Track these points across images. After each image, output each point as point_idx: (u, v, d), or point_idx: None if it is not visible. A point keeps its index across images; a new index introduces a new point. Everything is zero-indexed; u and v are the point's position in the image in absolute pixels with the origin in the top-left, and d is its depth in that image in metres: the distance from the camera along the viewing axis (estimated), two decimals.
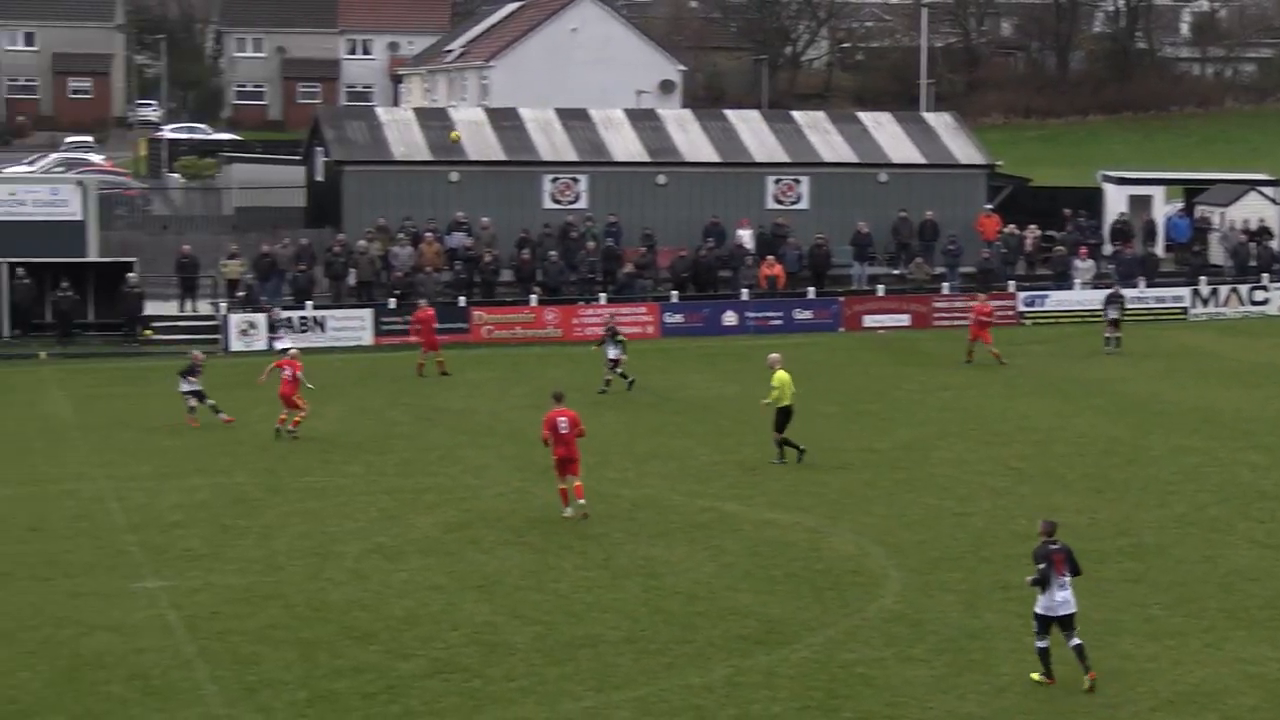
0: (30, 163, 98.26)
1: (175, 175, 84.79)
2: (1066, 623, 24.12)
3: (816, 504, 35.22)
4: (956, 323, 61.57)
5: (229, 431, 43.16)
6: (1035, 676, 24.23)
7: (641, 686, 24.36)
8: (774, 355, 39.42)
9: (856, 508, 34.76)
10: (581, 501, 33.91)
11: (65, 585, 29.55)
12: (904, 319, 62.62)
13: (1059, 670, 24.12)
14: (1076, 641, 24.10)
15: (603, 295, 62.18)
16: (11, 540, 32.60)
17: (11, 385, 50.67)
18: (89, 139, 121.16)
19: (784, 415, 38.60)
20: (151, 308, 59.82)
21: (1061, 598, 24.05)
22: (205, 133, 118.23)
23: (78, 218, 61.41)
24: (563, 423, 33.72)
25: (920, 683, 24.38)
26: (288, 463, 39.55)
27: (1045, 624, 24.13)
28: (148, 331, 58.59)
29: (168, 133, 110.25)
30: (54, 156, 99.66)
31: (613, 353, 48.52)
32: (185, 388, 43.80)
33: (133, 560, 31.28)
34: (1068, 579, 24.06)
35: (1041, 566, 24.04)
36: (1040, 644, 24.19)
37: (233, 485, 37.29)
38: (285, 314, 53.36)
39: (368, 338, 59.07)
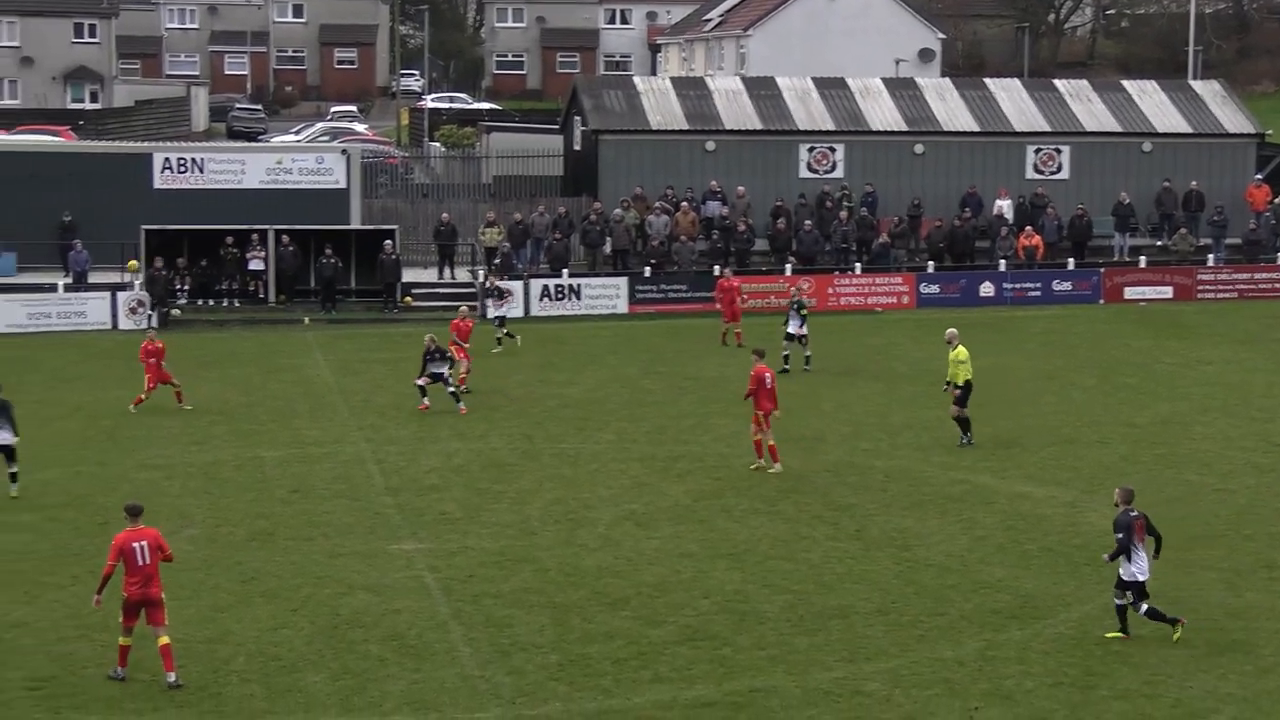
0: (297, 132, 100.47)
1: (436, 144, 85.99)
2: (1140, 590, 24.47)
3: (1073, 478, 34.67)
4: (1221, 296, 60.15)
5: (483, 397, 43.70)
6: (1111, 636, 24.63)
7: (893, 658, 24.20)
8: (952, 330, 38.48)
9: (1114, 483, 34.00)
10: (777, 466, 34.95)
11: (325, 545, 30.18)
12: (1166, 291, 61.28)
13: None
14: (1146, 607, 24.45)
15: (857, 265, 61.82)
16: (275, 501, 33.37)
17: (277, 350, 51.84)
18: (353, 108, 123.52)
19: (966, 392, 37.50)
20: (410, 275, 60.80)
21: (1141, 565, 24.41)
22: (465, 102, 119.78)
23: (341, 186, 62.69)
24: (769, 378, 34.99)
25: (1178, 661, 23.88)
26: (543, 429, 39.94)
27: (1139, 590, 24.54)
28: (407, 299, 59.53)
29: (429, 102, 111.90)
30: (319, 126, 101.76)
31: (793, 326, 47.34)
32: (434, 370, 42.14)
33: (390, 522, 31.84)
34: (1143, 547, 24.52)
35: (1120, 536, 24.35)
36: (1142, 610, 24.50)
37: (488, 450, 37.76)
38: (499, 283, 53.80)
39: (622, 306, 59.38)
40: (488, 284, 52.60)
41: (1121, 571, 24.56)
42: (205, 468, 35.90)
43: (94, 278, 58.53)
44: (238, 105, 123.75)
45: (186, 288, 58.76)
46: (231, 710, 22.45)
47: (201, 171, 62.51)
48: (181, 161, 62.79)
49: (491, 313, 52.28)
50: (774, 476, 34.81)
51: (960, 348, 37.40)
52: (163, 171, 62.27)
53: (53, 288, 57.39)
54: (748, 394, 35.37)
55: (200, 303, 58.65)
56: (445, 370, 41.84)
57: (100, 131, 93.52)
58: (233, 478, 35.08)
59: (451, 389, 41.84)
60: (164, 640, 23.24)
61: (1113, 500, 25.27)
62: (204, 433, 39.72)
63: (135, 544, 23.46)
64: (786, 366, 46.04)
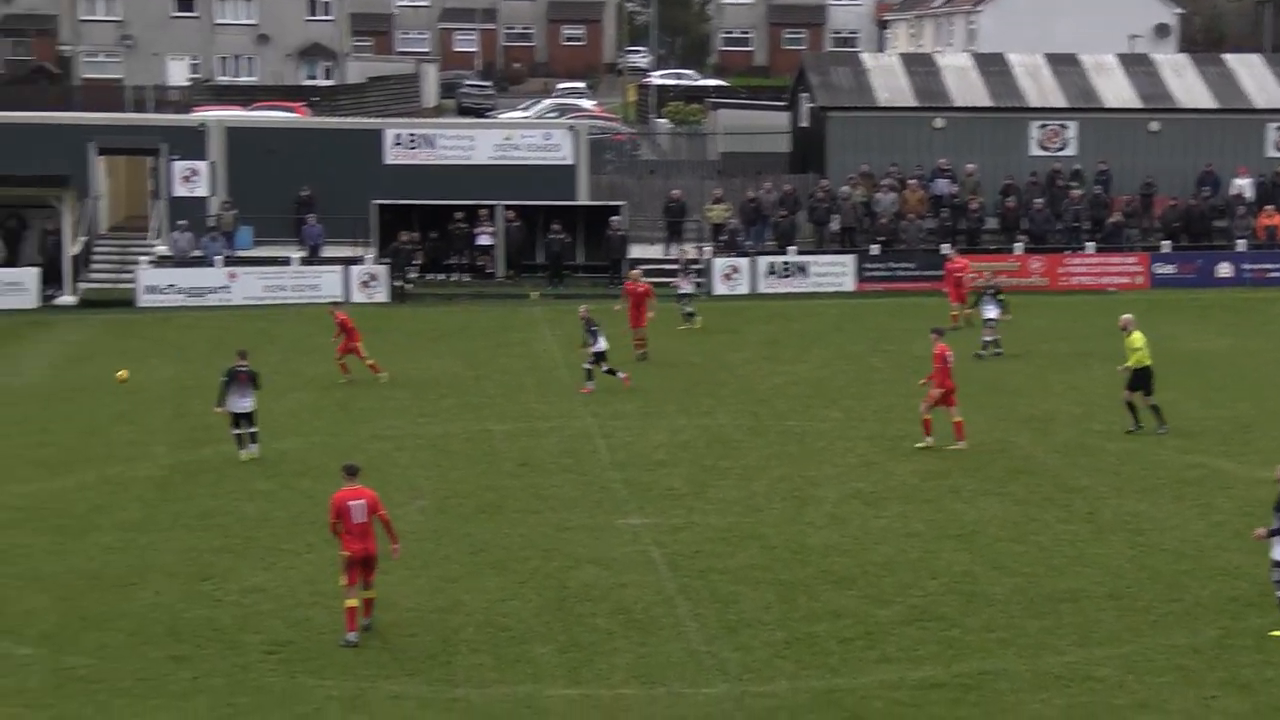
0: (525, 108, 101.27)
1: (663, 120, 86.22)
2: None
3: None
4: None
5: (711, 373, 43.75)
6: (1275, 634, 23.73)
7: (1125, 644, 23.79)
8: (1127, 316, 37.18)
9: None
10: (961, 443, 34.88)
11: (553, 519, 30.41)
12: None
13: None
14: None
15: (1090, 244, 60.83)
16: (503, 474, 33.69)
17: (506, 325, 52.32)
18: (581, 85, 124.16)
19: (1144, 377, 36.26)
20: (637, 251, 61.01)
21: None
22: (692, 79, 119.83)
23: (569, 162, 63.09)
24: (949, 356, 35.05)
25: None
26: (769, 406, 39.86)
27: None
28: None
29: (656, 79, 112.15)
30: (547, 102, 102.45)
31: (991, 312, 46.28)
32: (596, 348, 41.51)
33: (617, 496, 31.99)
34: None
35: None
36: None
37: (715, 427, 37.77)
38: (694, 256, 53.54)
39: (849, 284, 59.05)
40: (683, 260, 52.29)
41: (1273, 552, 23.81)
42: (435, 440, 36.35)
43: (327, 252, 59.57)
44: (467, 82, 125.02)
45: (417, 262, 59.53)
46: (461, 679, 22.72)
47: (431, 147, 63.28)
48: (412, 137, 63.63)
49: (684, 288, 51.55)
50: (1003, 458, 34.42)
51: (1136, 333, 36.37)
52: (394, 147, 63.15)
53: (287, 261, 58.51)
54: (932, 378, 35.22)
55: (430, 277, 59.36)
56: (604, 347, 41.27)
57: (333, 108, 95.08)
58: (462, 450, 35.48)
59: (606, 367, 41.39)
60: (368, 595, 24.20)
61: (1274, 477, 24.43)
62: (433, 405, 40.23)
63: (351, 502, 24.12)
64: (999, 350, 45.62)
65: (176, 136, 62.73)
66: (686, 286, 51.73)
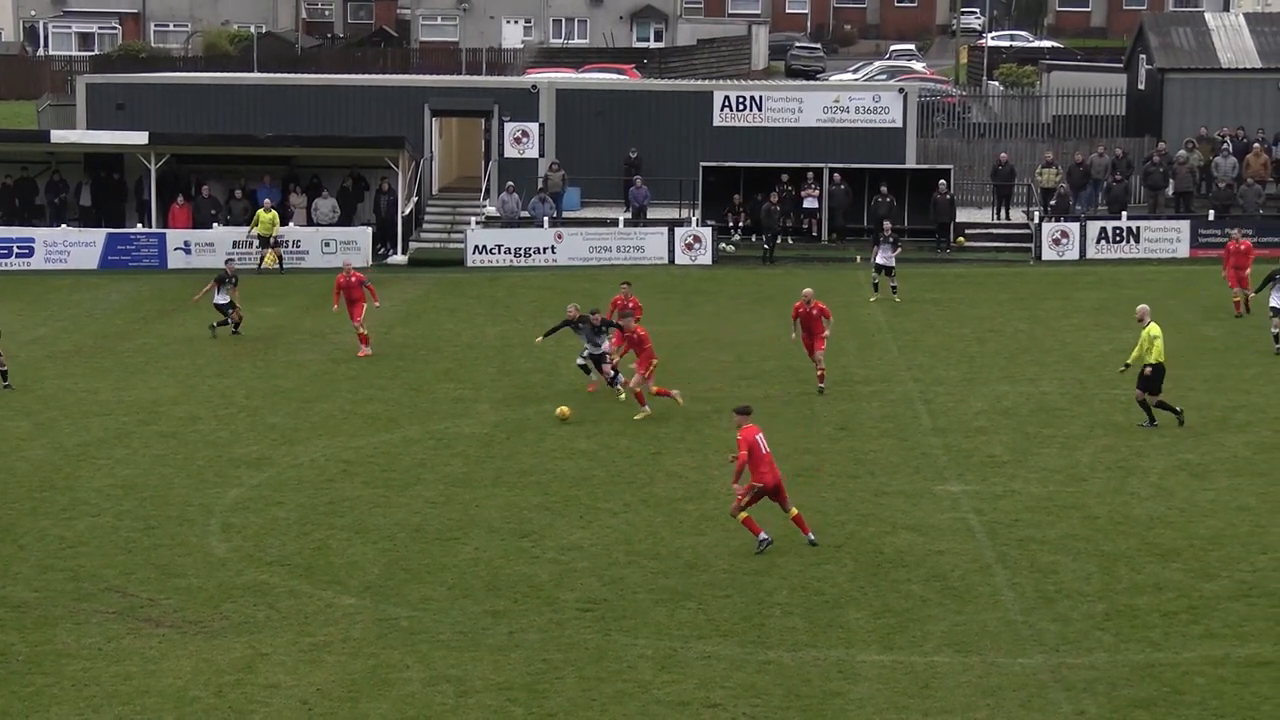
0: (854, 71, 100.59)
1: (994, 83, 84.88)
2: None
3: None
4: None
5: (1036, 339, 43.05)
6: None
7: None
8: (1143, 307, 34.76)
9: None
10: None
11: (870, 484, 30.17)
12: None
13: None
14: None
15: None
16: (822, 438, 33.54)
17: (829, 288, 51.92)
18: (911, 47, 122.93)
19: (1157, 374, 33.75)
20: (965, 215, 60.20)
21: None
22: (1026, 40, 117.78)
23: (897, 125, 62.52)
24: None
25: None
26: (1095, 374, 39.02)
27: None
28: (960, 239, 59.01)
29: (989, 40, 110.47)
30: (877, 64, 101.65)
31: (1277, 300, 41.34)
32: (594, 352, 36.91)
33: (936, 463, 31.61)
34: None
35: None
36: None
37: (1038, 394, 37.10)
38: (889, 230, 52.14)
39: (1183, 250, 57.49)
40: (886, 232, 50.99)
41: None
42: (757, 402, 36.20)
43: (652, 213, 59.95)
44: (797, 44, 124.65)
45: (741, 224, 59.53)
46: (774, 641, 22.66)
47: (759, 110, 63.24)
48: (740, 100, 63.66)
49: (880, 259, 49.90)
50: None
51: (1152, 325, 33.96)
52: (722, 110, 63.25)
53: (614, 222, 59.02)
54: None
55: (754, 239, 59.33)
56: (606, 348, 36.48)
57: (663, 70, 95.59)
58: (781, 413, 35.39)
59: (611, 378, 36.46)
60: (794, 512, 26.35)
61: None
62: (756, 368, 40.22)
63: (757, 436, 26.08)
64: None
65: (508, 98, 63.70)
66: (886, 257, 50.09)
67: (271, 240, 56.36)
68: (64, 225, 58.54)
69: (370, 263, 57.08)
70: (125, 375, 39.82)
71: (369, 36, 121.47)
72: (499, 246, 57.66)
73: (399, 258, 58.39)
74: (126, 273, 56.18)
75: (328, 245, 57.38)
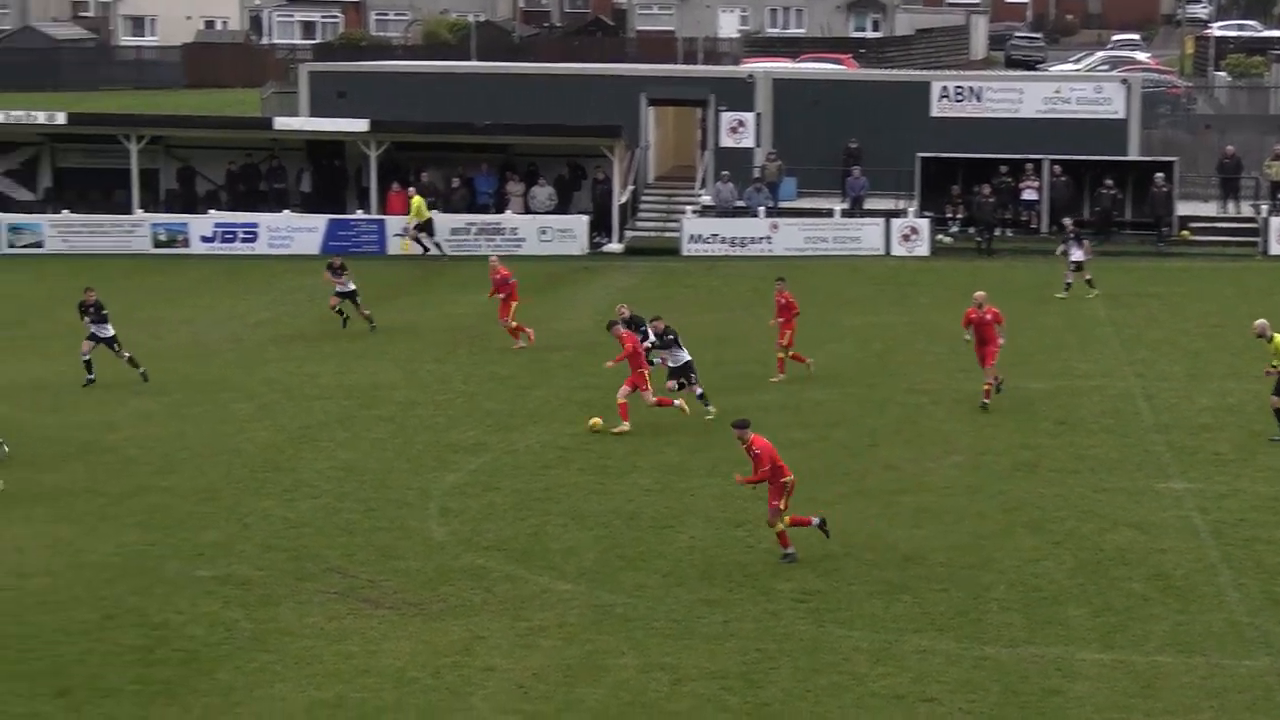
0: (1076, 60, 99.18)
1: (1221, 73, 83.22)
2: None
3: None
4: None
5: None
6: None
7: None
8: (1261, 322, 32.93)
9: None
10: None
11: (1090, 480, 29.69)
12: None
13: None
14: None
15: None
16: (1041, 433, 33.07)
17: (1047, 281, 51.18)
18: (1135, 37, 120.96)
19: None
20: (1189, 208, 59.05)
21: None
22: (1255, 30, 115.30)
23: (1120, 116, 61.46)
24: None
25: None
26: None
27: None
28: (1184, 233, 57.89)
29: (1215, 30, 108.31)
30: (1099, 55, 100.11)
31: None
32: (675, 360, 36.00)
33: (1159, 460, 31.03)
34: None
35: None
36: None
37: (1265, 391, 36.16)
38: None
39: None
40: (1069, 230, 49.71)
41: None
42: (970, 396, 35.84)
43: (870, 204, 59.55)
44: (1017, 34, 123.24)
45: (959, 216, 58.92)
46: (991, 637, 22.39)
47: (978, 100, 62.55)
48: (959, 90, 63.00)
49: (1076, 254, 48.53)
50: None
51: (1278, 336, 32.10)
52: (940, 100, 62.65)
53: (830, 213, 58.72)
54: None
55: (969, 232, 58.67)
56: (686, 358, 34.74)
57: (880, 60, 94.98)
58: (998, 406, 34.91)
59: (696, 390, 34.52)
60: (787, 521, 25.31)
61: None
62: (969, 361, 39.71)
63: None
64: None
65: (724, 88, 63.62)
66: (1079, 254, 48.83)
67: (416, 226, 56.98)
68: (286, 211, 59.56)
69: (587, 250, 57.38)
70: (346, 360, 40.41)
71: (586, 26, 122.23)
72: (714, 236, 57.63)
73: (614, 246, 58.60)
74: (347, 258, 56.89)
75: (544, 234, 57.80)
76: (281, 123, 61.72)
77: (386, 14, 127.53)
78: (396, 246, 57.35)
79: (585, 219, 58.54)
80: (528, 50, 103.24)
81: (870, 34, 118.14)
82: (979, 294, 35.62)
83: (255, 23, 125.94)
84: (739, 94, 63.07)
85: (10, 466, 30.45)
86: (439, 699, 20.46)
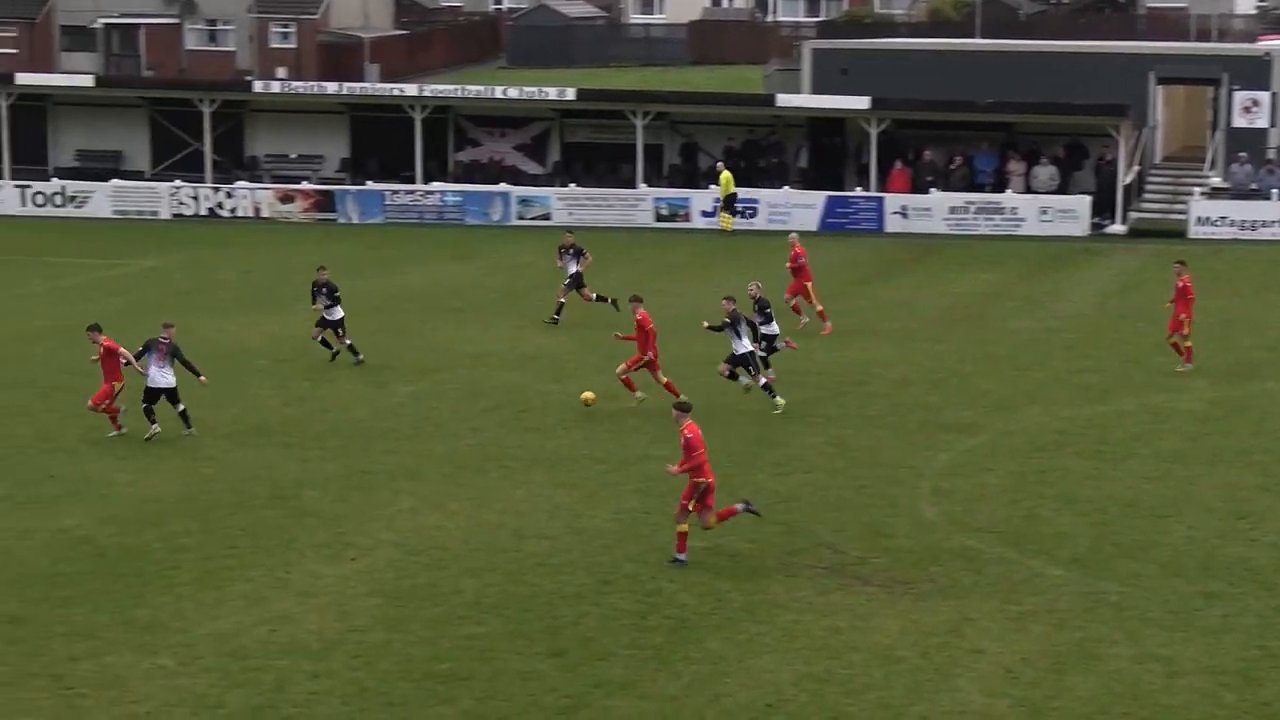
0: None
1: None
2: None
3: None
4: None
5: None
6: None
7: None
8: None
9: None
10: None
11: None
12: None
13: None
14: None
15: None
16: None
17: None
18: None
19: None
20: None
21: None
22: None
23: None
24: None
25: None
26: None
27: None
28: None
29: None
30: None
31: None
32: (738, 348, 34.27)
33: None
34: None
35: None
36: None
37: None
38: None
39: None
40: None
41: None
42: None
43: None
44: None
45: None
46: None
47: None
48: None
49: None
50: None
51: None
52: None
53: None
54: None
55: None
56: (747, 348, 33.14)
57: None
58: None
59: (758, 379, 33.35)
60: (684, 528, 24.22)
61: None
62: None
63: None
64: None
65: (1239, 66, 61.44)
66: None
67: (725, 201, 57.26)
68: (785, 187, 60.03)
69: (1088, 231, 56.23)
70: (839, 337, 40.45)
71: (1094, 2, 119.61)
72: (1223, 219, 55.81)
73: (1118, 227, 57.26)
74: (844, 235, 57.17)
75: (1044, 214, 56.95)
76: (784, 100, 62.24)
77: None
78: (716, 224, 58.07)
79: (1087, 199, 57.35)
80: (1033, 27, 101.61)
81: None
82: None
83: (761, 0, 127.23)
84: (1254, 73, 60.81)
85: (515, 432, 31.48)
86: (925, 679, 20.30)
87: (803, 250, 41.21)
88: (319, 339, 37.33)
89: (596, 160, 63.46)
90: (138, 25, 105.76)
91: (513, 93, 63.84)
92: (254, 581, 23.38)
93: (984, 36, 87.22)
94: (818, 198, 58.85)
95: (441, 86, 68.65)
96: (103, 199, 61.88)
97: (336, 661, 20.61)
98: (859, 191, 59.36)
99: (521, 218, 59.85)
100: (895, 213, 57.71)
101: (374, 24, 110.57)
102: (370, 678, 20.15)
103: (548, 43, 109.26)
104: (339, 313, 37.14)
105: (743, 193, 58.78)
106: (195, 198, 61.63)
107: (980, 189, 59.14)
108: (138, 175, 64.96)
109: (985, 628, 21.84)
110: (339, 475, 28.36)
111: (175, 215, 61.34)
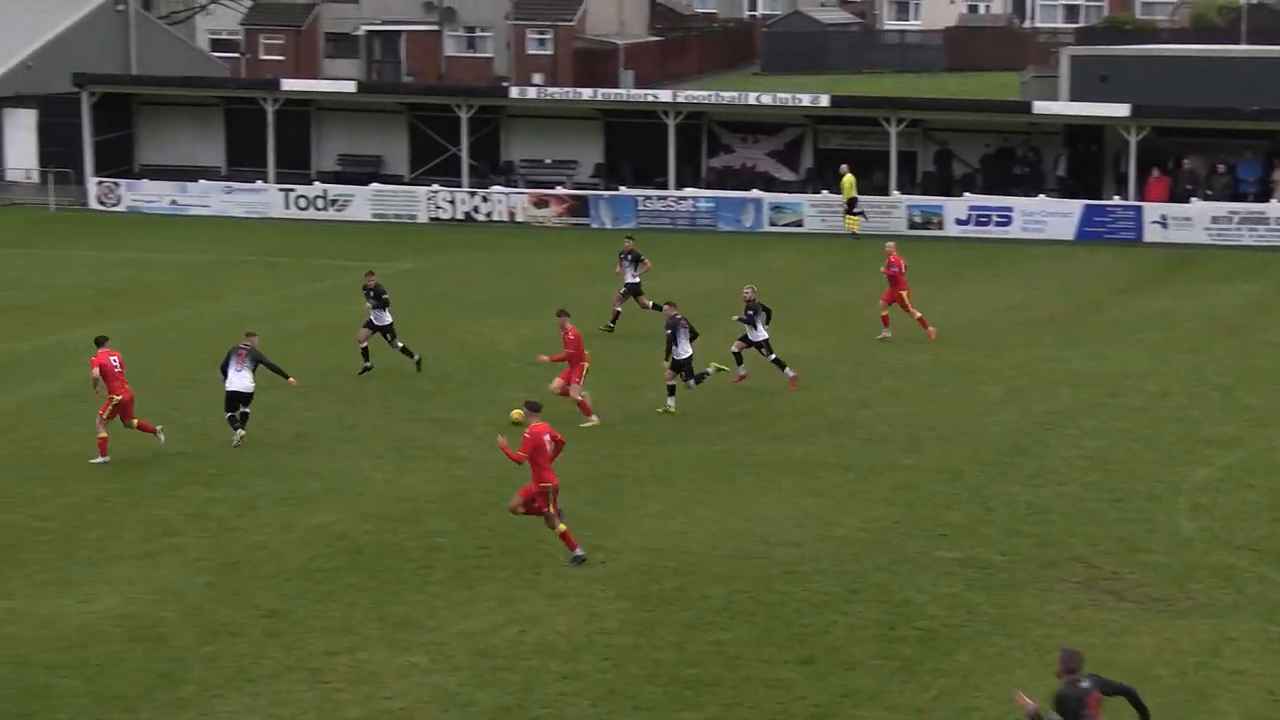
0: None
1: None
2: None
3: None
4: None
5: None
6: None
7: None
8: None
9: None
10: None
11: None
12: None
13: None
14: None
15: None
16: None
17: None
18: None
19: None
20: None
21: None
22: None
23: None
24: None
25: None
26: None
27: None
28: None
29: None
30: None
31: None
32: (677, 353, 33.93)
33: None
34: None
35: None
36: None
37: None
38: None
39: None
40: None
41: None
42: None
43: None
44: None
45: None
46: None
47: None
48: None
49: None
50: None
51: None
52: None
53: None
54: None
55: None
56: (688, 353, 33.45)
57: None
58: None
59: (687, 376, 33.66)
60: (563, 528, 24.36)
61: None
62: None
63: (546, 436, 24.45)
64: None
65: None
66: None
67: (848, 204, 57.07)
68: (1041, 195, 59.20)
69: None
70: (1096, 346, 39.80)
71: None
72: None
73: None
74: (1102, 244, 56.22)
75: None
76: (1040, 107, 61.35)
77: None
78: (843, 227, 57.95)
79: None
80: None
81: None
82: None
83: (1019, 6, 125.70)
84: None
85: (762, 439, 31.42)
86: (1182, 699, 19.83)
87: (900, 260, 40.50)
88: (363, 344, 36.54)
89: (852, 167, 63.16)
90: (399, 32, 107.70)
91: (766, 99, 63.81)
92: (504, 582, 23.64)
93: (1250, 42, 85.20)
94: (1074, 206, 57.95)
95: (695, 93, 68.90)
96: (362, 202, 63.08)
97: (585, 663, 20.75)
98: (1117, 200, 58.34)
99: (774, 224, 59.78)
100: (1154, 222, 56.60)
101: (629, 30, 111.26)
102: (618, 680, 20.25)
103: (802, 49, 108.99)
104: (387, 318, 36.55)
105: (994, 201, 58.07)
106: (452, 202, 62.55)
107: (1243, 198, 57.77)
108: (397, 179, 66.09)
109: (1245, 648, 21.29)
110: (588, 478, 28.54)
111: (432, 219, 62.31)
